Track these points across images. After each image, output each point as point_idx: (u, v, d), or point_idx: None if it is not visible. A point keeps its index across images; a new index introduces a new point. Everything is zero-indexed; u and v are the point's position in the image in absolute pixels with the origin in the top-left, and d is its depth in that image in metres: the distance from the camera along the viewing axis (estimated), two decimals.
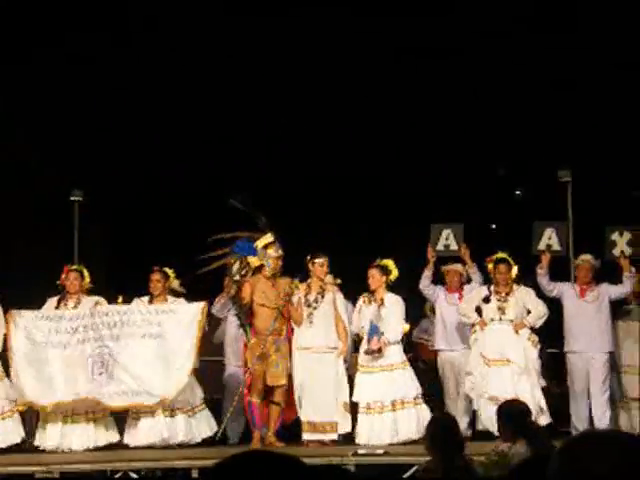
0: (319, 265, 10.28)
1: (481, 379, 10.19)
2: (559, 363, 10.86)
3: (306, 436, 10.10)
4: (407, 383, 10.15)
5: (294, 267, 10.59)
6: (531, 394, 9.86)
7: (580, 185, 12.27)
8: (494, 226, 30.97)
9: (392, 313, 10.19)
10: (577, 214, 12.01)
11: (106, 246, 16.81)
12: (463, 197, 19.73)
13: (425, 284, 10.88)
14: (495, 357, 10.16)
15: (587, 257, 10.75)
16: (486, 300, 10.38)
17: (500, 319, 10.30)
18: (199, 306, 10.18)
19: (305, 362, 10.13)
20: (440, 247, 10.79)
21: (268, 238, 10.05)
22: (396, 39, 15.60)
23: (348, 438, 10.11)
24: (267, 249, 10.07)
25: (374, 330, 10.06)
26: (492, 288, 10.44)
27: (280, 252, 10.12)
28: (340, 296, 10.34)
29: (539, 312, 10.30)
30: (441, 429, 5.98)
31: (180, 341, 9.93)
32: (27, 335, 10.03)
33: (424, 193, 17.58)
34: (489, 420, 9.85)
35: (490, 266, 10.57)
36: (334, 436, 10.00)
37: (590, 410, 10.35)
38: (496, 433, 9.72)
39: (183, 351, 9.90)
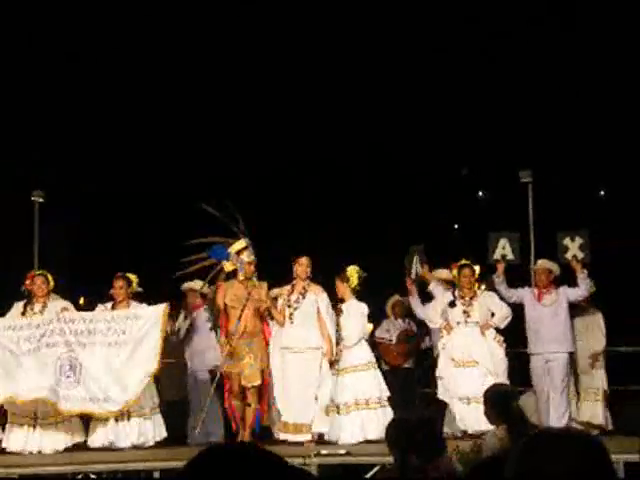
0: (299, 265, 10.35)
1: (453, 381, 10.30)
2: (525, 364, 10.97)
3: (280, 435, 10.13)
4: (372, 384, 10.21)
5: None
6: None
7: (541, 186, 12.37)
8: (456, 226, 31.18)
9: (350, 318, 10.17)
10: (538, 216, 12.11)
11: (67, 247, 16.68)
12: (428, 197, 19.82)
13: (425, 313, 10.99)
14: (463, 358, 10.28)
15: (544, 262, 10.87)
16: (451, 304, 10.51)
17: (466, 322, 10.42)
18: (161, 308, 10.18)
19: (285, 361, 10.17)
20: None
21: (241, 244, 10.26)
22: (357, 47, 15.66)
23: (322, 438, 10.15)
24: (240, 254, 10.25)
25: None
26: (457, 293, 10.58)
27: (252, 257, 10.28)
28: (324, 297, 10.39)
29: (503, 313, 10.47)
30: (396, 430, 6.02)
31: (144, 345, 9.97)
32: None
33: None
34: (461, 422, 9.99)
35: (454, 271, 10.72)
36: (308, 437, 10.02)
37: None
38: (469, 431, 9.89)
39: (146, 355, 9.92)
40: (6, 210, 13.95)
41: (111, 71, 15.38)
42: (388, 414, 9.94)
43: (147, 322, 10.09)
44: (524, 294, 10.78)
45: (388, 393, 10.35)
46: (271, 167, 17.24)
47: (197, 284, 11.05)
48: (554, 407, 10.36)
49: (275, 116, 16.68)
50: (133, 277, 10.68)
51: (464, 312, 10.47)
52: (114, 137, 16.03)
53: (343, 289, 10.52)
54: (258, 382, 10.08)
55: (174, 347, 11.17)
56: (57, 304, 10.48)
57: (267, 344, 10.33)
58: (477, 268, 10.99)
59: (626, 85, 17.10)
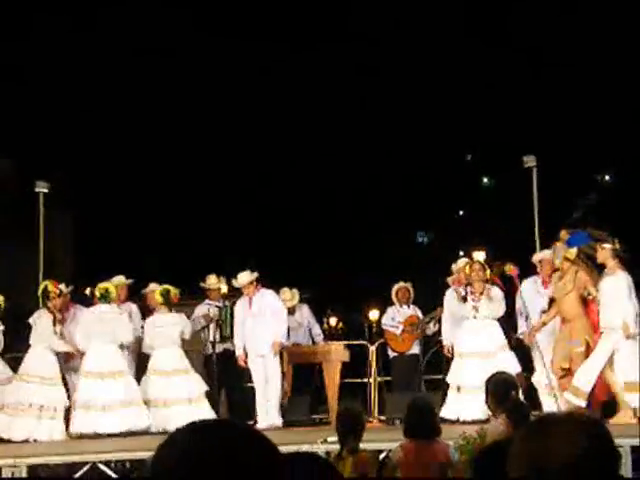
0: None
1: (458, 371, 10.38)
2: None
3: None
4: None
5: None
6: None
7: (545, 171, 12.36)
8: (461, 212, 31.16)
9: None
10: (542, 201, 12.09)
11: (73, 238, 16.71)
12: (432, 184, 19.85)
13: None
14: (469, 350, 10.35)
15: (549, 252, 10.84)
16: (463, 299, 10.58)
17: (475, 317, 10.48)
18: None
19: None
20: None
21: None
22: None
23: None
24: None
25: None
26: (468, 288, 10.62)
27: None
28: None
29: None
30: (341, 417, 6.25)
31: None
32: None
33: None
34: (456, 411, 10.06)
35: (467, 268, 10.75)
36: None
37: None
38: (462, 419, 9.95)
39: None
40: (11, 201, 13.97)
41: (112, 63, 15.40)
42: None
43: None
44: (526, 285, 10.74)
45: None
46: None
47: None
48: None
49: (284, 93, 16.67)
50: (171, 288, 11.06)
51: (473, 307, 10.51)
52: (117, 129, 16.06)
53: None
54: None
55: None
56: None
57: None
58: (482, 254, 11.00)
59: (631, 70, 17.04)
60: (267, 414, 10.79)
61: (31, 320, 10.82)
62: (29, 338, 10.80)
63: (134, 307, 11.50)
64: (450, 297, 10.93)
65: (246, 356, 11.04)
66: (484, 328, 10.50)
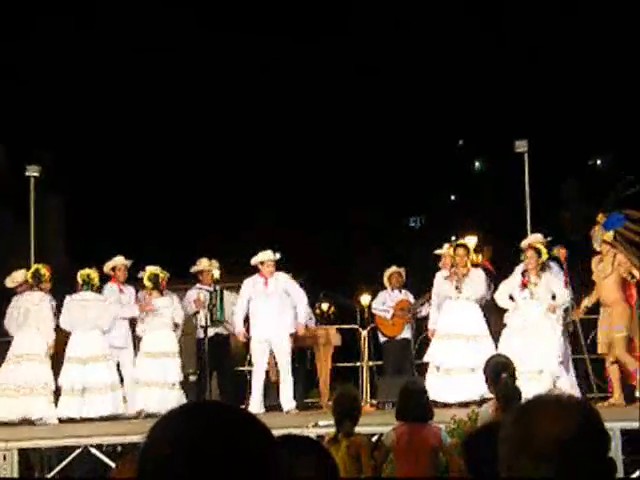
0: None
1: (440, 353, 10.39)
2: None
3: None
4: None
5: None
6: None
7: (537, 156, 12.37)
8: (453, 197, 31.17)
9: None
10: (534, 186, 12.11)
11: (64, 221, 16.66)
12: (424, 169, 19.85)
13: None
14: (450, 331, 10.36)
15: (537, 237, 10.82)
16: (446, 278, 10.63)
17: (457, 297, 10.51)
18: None
19: None
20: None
21: None
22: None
23: None
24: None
25: None
26: (452, 270, 10.64)
27: None
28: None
29: (564, 296, 10.35)
30: (338, 400, 6.31)
31: None
32: None
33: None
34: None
35: (450, 249, 10.79)
36: None
37: None
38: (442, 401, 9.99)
39: None
40: (1, 185, 13.93)
41: (102, 50, 15.35)
42: None
43: None
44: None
45: None
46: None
47: None
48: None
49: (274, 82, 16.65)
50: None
51: (456, 288, 10.54)
52: (108, 113, 16.02)
53: None
54: None
55: None
56: None
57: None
58: (474, 239, 11.02)
59: (621, 55, 17.03)
60: (284, 397, 10.80)
61: (25, 303, 10.78)
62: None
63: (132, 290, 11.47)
64: (439, 281, 10.94)
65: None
66: (465, 310, 10.53)
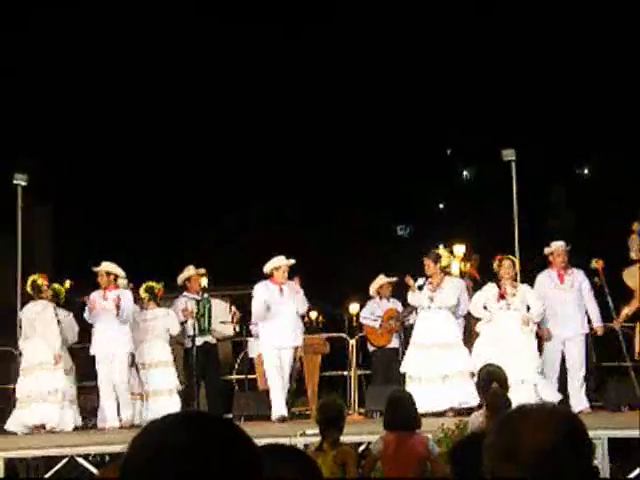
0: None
1: (415, 361, 10.39)
2: None
3: None
4: None
5: None
6: (463, 368, 10.08)
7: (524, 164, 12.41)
8: (442, 206, 31.24)
9: None
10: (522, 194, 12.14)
11: (52, 229, 16.61)
12: (412, 178, 19.88)
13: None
14: (429, 341, 10.37)
15: (561, 244, 10.78)
16: (420, 288, 10.59)
17: (429, 307, 10.51)
18: None
19: None
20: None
21: None
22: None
23: None
24: None
25: None
26: (427, 280, 10.65)
27: None
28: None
29: (539, 308, 10.36)
30: (322, 409, 6.31)
31: None
32: None
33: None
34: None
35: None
36: None
37: None
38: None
39: None
40: None
41: (89, 51, 15.32)
42: None
43: None
44: (541, 279, 10.67)
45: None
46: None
47: None
48: (573, 389, 10.30)
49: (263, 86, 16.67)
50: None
51: (429, 297, 10.53)
52: (99, 119, 16.00)
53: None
54: None
55: None
56: None
57: None
58: (462, 248, 11.05)
59: (610, 62, 17.11)
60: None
61: (28, 314, 10.79)
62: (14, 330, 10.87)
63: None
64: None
65: None
66: (438, 318, 10.52)
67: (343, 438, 6.32)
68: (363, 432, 8.39)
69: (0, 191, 13.37)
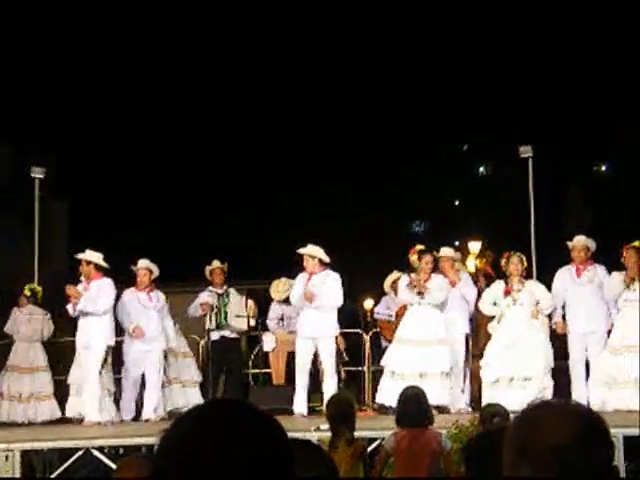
0: None
1: (396, 356, 10.38)
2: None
3: None
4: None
5: None
6: (442, 367, 10.10)
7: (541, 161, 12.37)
8: (457, 202, 31.17)
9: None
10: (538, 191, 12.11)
11: (67, 222, 16.67)
12: (428, 174, 19.85)
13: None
14: (414, 337, 10.34)
15: (582, 238, 10.71)
16: (409, 285, 10.56)
17: (419, 303, 10.48)
18: None
19: None
20: None
21: None
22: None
23: None
24: None
25: None
26: (414, 275, 10.60)
27: None
28: None
29: (548, 301, 10.32)
30: (332, 405, 6.27)
31: None
32: None
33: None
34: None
35: (414, 256, 10.77)
36: None
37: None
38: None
39: None
40: (6, 187, 13.95)
41: (107, 51, 15.38)
42: None
43: None
44: (560, 274, 10.61)
45: None
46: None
47: None
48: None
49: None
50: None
51: (419, 294, 10.48)
52: (112, 115, 16.05)
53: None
54: None
55: None
56: None
57: None
58: (478, 244, 11.01)
59: (629, 60, 17.02)
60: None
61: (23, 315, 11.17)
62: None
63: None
64: (402, 288, 10.79)
65: None
66: (427, 316, 10.48)
67: (357, 433, 6.31)
68: (376, 428, 8.37)
69: (17, 184, 13.45)
